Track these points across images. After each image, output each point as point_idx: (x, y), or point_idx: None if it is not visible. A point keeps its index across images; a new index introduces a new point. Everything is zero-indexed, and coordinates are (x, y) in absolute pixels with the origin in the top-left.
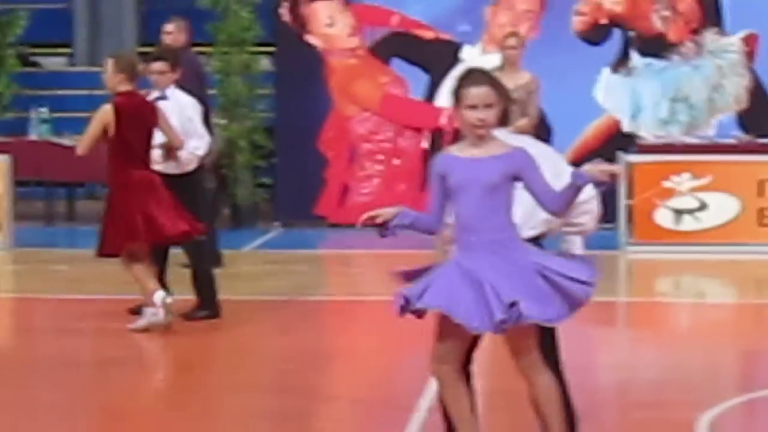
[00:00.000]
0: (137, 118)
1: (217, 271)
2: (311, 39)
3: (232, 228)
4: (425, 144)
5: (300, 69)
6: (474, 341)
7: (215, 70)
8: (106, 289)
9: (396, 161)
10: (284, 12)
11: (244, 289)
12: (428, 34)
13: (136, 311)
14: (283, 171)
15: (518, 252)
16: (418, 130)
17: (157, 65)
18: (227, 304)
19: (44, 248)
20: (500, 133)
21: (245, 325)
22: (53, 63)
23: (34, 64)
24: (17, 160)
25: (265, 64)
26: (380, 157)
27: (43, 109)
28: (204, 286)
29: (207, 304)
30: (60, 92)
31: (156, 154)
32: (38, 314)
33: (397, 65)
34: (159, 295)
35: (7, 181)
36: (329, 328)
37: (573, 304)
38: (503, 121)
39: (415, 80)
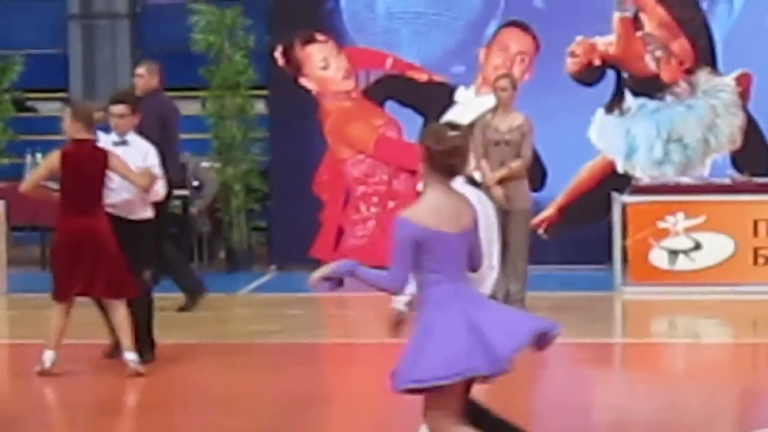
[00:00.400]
0: (83, 167)
1: (208, 312)
2: (305, 82)
3: (227, 271)
4: (420, 186)
5: (294, 112)
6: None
7: (209, 113)
8: (101, 333)
9: (391, 204)
10: (278, 56)
11: (239, 332)
12: (422, 77)
13: (110, 354)
14: (277, 214)
15: (429, 309)
16: (412, 172)
17: (118, 108)
18: (222, 347)
19: (39, 293)
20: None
21: (239, 368)
22: (49, 108)
23: (30, 109)
24: (12, 205)
25: (259, 107)
26: (375, 199)
27: (39, 155)
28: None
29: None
30: (55, 137)
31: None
32: (33, 360)
33: (392, 107)
34: (47, 354)
35: (2, 226)
36: (324, 371)
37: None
38: (450, 170)
39: (410, 122)
